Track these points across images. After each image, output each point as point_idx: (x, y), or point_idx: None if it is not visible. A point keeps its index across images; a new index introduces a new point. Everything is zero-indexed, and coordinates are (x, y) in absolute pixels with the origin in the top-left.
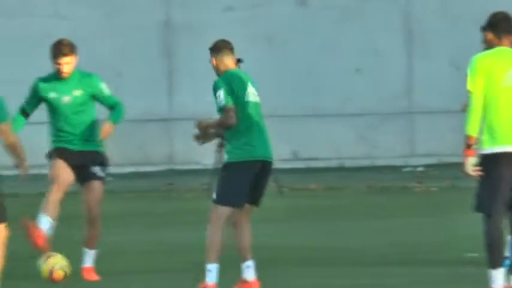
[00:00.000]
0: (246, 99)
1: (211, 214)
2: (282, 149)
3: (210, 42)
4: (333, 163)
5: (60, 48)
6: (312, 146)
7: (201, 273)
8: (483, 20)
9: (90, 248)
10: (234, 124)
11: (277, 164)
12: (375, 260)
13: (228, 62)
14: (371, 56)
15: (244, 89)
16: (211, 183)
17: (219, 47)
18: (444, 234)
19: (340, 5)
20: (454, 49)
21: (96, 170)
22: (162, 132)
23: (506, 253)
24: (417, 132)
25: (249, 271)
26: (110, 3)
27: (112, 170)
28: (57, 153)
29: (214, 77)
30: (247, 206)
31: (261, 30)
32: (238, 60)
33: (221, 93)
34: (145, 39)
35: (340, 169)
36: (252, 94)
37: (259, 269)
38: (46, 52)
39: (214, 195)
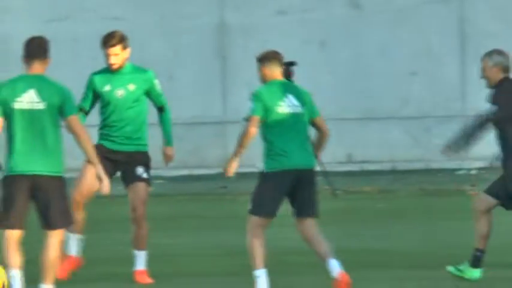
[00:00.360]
0: (278, 111)
1: (247, 223)
2: (336, 151)
3: (263, 45)
4: (387, 166)
5: (107, 39)
6: (366, 149)
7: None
8: None
9: (139, 249)
10: (249, 134)
11: (331, 167)
12: (429, 262)
13: (273, 73)
14: (425, 58)
15: (278, 99)
16: None
17: (266, 58)
18: (498, 237)
19: (394, 8)
20: (508, 51)
21: (141, 171)
22: (216, 135)
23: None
24: None
25: (333, 269)
26: (164, 6)
27: (165, 172)
28: (98, 150)
29: None
30: (304, 220)
31: (314, 33)
32: (291, 64)
33: (251, 104)
34: (199, 42)
35: (394, 172)
36: (287, 105)
37: (313, 273)
38: (100, 55)
39: (249, 205)
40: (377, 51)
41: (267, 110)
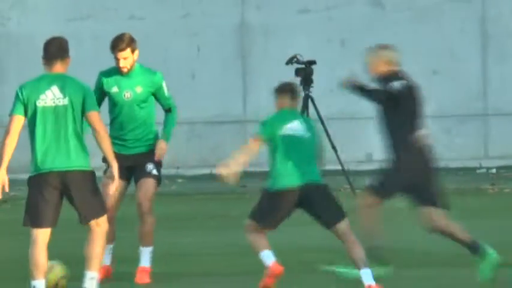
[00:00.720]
0: (279, 134)
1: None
2: (356, 151)
3: (283, 44)
4: None
5: (116, 43)
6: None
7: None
8: None
9: (144, 245)
10: (249, 147)
11: (351, 166)
12: (448, 260)
13: (282, 103)
14: (447, 57)
15: (282, 124)
16: None
17: (278, 90)
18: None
19: (416, 6)
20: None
21: (150, 167)
22: (236, 133)
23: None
24: (491, 134)
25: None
26: (186, 5)
27: (186, 171)
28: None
29: (287, 78)
30: (337, 227)
31: (335, 32)
32: (311, 63)
33: (258, 128)
34: (220, 41)
35: None
36: (290, 129)
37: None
38: None
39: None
40: (399, 50)
41: (270, 134)
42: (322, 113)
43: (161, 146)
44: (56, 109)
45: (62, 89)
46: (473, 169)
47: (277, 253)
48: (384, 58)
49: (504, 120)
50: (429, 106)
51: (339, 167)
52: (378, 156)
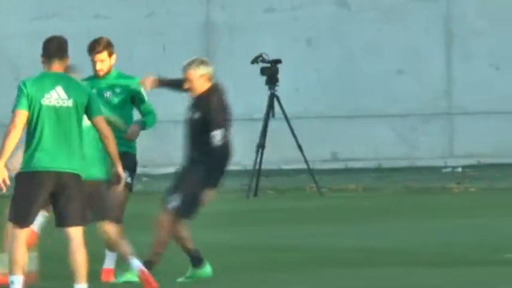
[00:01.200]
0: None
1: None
2: (321, 150)
3: (250, 43)
4: (372, 164)
5: (93, 45)
6: (351, 147)
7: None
8: None
9: (110, 250)
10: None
11: (316, 165)
12: (414, 260)
13: None
14: (412, 57)
15: None
16: (250, 184)
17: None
18: (482, 234)
19: (382, 6)
20: (494, 50)
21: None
22: None
23: None
24: (456, 133)
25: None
26: (150, 4)
27: (151, 170)
28: None
29: (253, 76)
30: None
31: (301, 32)
32: (276, 62)
33: None
34: (185, 40)
35: (379, 170)
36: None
37: (300, 270)
38: (86, 53)
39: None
40: (364, 50)
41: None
42: (288, 112)
43: (132, 128)
44: (59, 109)
45: (67, 90)
46: (439, 168)
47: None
48: (206, 75)
49: (469, 119)
50: (393, 105)
51: (304, 166)
52: (343, 155)
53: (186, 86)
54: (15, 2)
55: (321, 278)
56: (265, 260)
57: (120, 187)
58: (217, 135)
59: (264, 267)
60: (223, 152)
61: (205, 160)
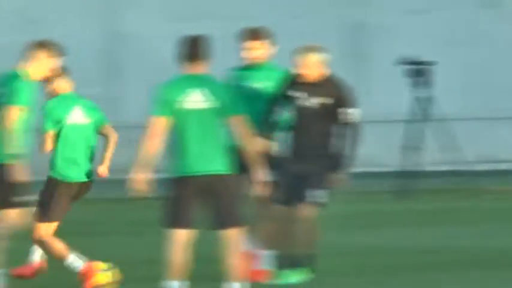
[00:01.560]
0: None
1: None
2: (477, 150)
3: (394, 45)
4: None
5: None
6: (498, 148)
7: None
8: None
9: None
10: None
11: (474, 166)
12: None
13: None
14: None
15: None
16: (402, 185)
17: None
18: None
19: None
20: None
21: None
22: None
23: None
24: None
25: None
26: (296, 6)
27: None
28: None
29: (395, 79)
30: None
31: (445, 33)
32: (424, 63)
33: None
34: (336, 41)
35: None
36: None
37: (453, 271)
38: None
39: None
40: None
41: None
42: (443, 113)
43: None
44: (200, 112)
45: (206, 92)
46: None
47: None
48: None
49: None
50: None
51: (458, 167)
52: (499, 156)
53: (301, 71)
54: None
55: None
56: (417, 262)
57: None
58: (354, 112)
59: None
60: (357, 131)
61: (330, 147)
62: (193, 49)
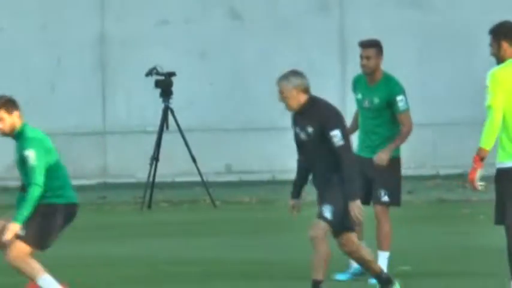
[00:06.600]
0: None
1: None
2: (215, 162)
3: (144, 55)
4: (266, 176)
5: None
6: (245, 160)
7: None
8: (414, 30)
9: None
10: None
11: (210, 177)
12: (309, 272)
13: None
14: (305, 70)
15: None
16: (145, 197)
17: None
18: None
19: (275, 18)
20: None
21: None
22: (95, 145)
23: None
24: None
25: None
26: (45, 15)
27: None
28: None
29: (147, 89)
30: None
31: (195, 44)
32: (171, 74)
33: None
34: (79, 52)
35: (273, 182)
36: None
37: (195, 284)
38: None
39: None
40: (257, 62)
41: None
42: (182, 125)
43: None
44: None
45: None
46: None
47: None
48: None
49: None
50: (287, 118)
51: (198, 179)
52: (237, 167)
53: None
54: None
55: None
56: (158, 273)
57: None
58: (337, 135)
59: (157, 280)
60: (350, 157)
61: (336, 171)
62: None
